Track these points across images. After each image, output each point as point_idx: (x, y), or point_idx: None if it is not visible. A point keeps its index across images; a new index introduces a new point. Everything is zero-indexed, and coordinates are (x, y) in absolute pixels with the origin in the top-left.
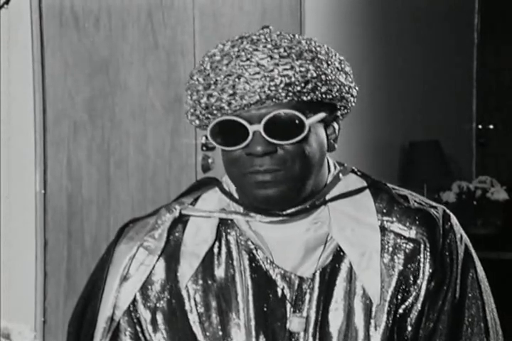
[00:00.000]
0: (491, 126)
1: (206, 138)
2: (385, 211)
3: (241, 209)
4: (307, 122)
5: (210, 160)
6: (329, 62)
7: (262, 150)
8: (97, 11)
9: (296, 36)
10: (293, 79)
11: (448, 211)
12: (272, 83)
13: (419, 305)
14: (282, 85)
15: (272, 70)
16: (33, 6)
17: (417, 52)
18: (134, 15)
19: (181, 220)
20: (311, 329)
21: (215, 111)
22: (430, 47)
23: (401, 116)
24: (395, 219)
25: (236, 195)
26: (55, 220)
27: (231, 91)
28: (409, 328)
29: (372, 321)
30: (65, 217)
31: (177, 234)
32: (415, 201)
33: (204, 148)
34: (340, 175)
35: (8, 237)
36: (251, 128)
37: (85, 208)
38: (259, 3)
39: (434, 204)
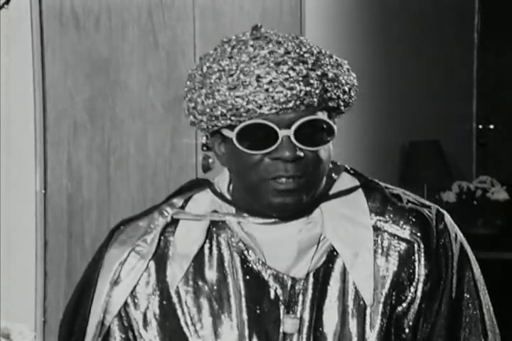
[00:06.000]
0: (491, 126)
1: (207, 137)
2: (378, 211)
3: (233, 210)
4: (335, 128)
5: (210, 160)
6: (347, 69)
7: (292, 155)
8: (97, 10)
9: (303, 39)
10: (326, 85)
11: (442, 210)
12: (307, 89)
13: (415, 307)
14: (317, 91)
15: (306, 76)
16: (33, 6)
17: (417, 52)
18: (134, 15)
19: (172, 221)
20: (305, 331)
21: (243, 114)
22: (430, 47)
23: (401, 116)
24: (388, 219)
25: (228, 196)
26: (55, 220)
27: (263, 95)
28: (407, 330)
29: (367, 321)
30: (65, 217)
31: (168, 236)
32: (408, 200)
33: (204, 148)
34: (333, 174)
35: (8, 237)
36: (280, 133)
37: (85, 208)
38: (259, 3)
39: (427, 203)
